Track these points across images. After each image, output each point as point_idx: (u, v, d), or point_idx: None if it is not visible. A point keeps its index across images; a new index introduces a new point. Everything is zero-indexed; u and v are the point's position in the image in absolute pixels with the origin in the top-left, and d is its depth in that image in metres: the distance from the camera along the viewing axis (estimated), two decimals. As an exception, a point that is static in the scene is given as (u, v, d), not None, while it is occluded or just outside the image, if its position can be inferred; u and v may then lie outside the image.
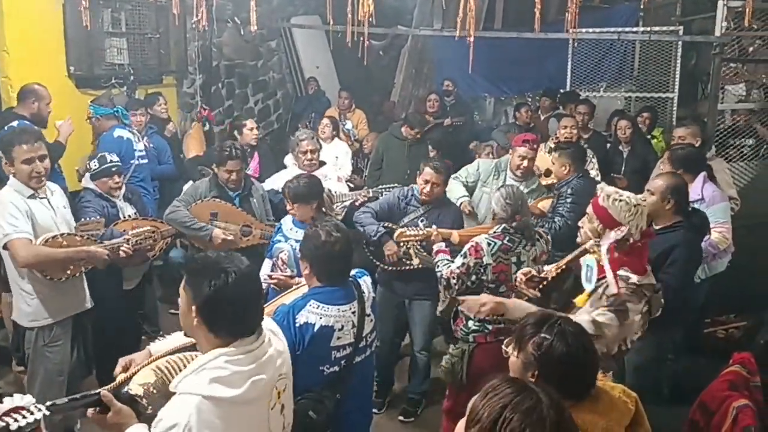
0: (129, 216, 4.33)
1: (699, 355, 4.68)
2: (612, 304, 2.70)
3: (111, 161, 4.31)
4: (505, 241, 3.54)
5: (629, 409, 2.08)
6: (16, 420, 1.82)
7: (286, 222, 4.05)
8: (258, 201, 4.66)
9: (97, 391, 2.00)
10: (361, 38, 4.79)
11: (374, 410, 4.48)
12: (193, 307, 1.96)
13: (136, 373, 2.07)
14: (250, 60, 9.12)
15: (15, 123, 4.85)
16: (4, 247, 3.42)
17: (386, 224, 4.27)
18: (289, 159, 5.60)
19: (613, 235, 2.73)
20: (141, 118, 5.76)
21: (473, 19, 4.31)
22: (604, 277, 2.76)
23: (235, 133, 5.78)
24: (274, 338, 2.13)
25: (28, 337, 3.61)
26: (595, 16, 8.91)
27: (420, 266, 4.12)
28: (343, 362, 2.79)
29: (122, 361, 2.26)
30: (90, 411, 1.99)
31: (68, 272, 3.64)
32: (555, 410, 1.50)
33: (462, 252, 3.58)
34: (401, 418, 4.48)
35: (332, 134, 6.51)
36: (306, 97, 9.41)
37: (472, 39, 4.15)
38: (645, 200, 2.90)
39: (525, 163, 4.64)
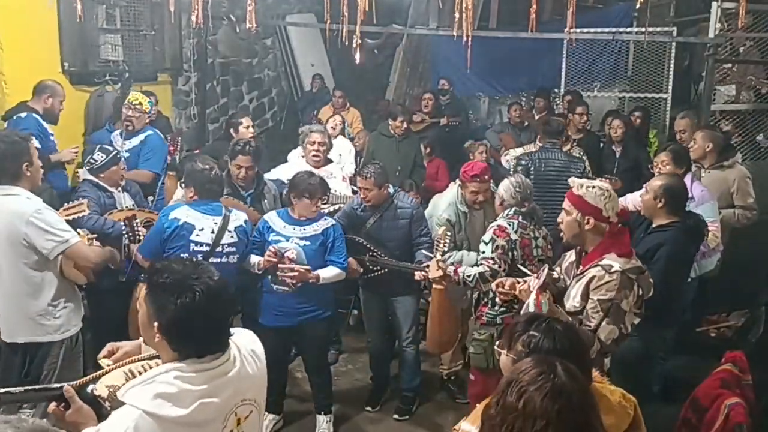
0: (128, 206, 4.36)
1: (691, 354, 4.71)
2: (604, 309, 2.84)
3: (114, 150, 4.41)
4: (520, 220, 3.84)
5: (628, 414, 2.11)
6: None
7: (275, 220, 4.07)
8: (270, 202, 4.60)
9: (60, 384, 1.92)
10: (354, 37, 4.79)
11: (369, 408, 4.57)
12: (155, 324, 1.86)
13: (107, 372, 1.97)
14: (245, 58, 9.12)
15: (23, 114, 4.96)
16: (62, 253, 3.32)
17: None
18: (293, 153, 5.58)
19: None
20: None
21: (470, 18, 4.31)
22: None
23: (231, 131, 5.76)
24: (248, 360, 1.99)
25: (53, 352, 3.44)
26: (589, 16, 8.96)
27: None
28: (200, 256, 3.63)
29: (110, 346, 2.17)
30: (52, 405, 1.89)
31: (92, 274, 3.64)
32: (568, 376, 1.59)
33: (485, 241, 3.75)
34: (396, 416, 4.49)
35: (340, 132, 6.50)
36: (309, 94, 9.42)
37: (469, 38, 4.15)
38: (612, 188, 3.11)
39: (480, 197, 4.34)
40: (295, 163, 5.26)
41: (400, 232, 4.32)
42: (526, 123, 7.88)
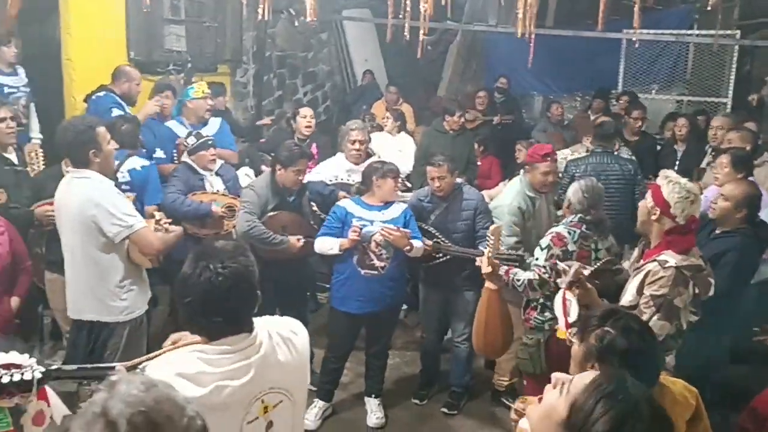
0: (217, 190, 4.59)
1: (749, 363, 4.62)
2: (656, 304, 2.82)
3: (205, 136, 4.66)
4: (583, 229, 3.64)
5: (690, 404, 2.10)
6: (10, 374, 1.82)
7: (353, 206, 4.19)
8: (305, 201, 4.65)
9: (113, 364, 2.00)
10: (412, 33, 4.82)
11: (416, 401, 4.62)
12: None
13: (158, 355, 1.99)
14: (301, 51, 9.23)
15: (102, 93, 5.19)
16: (127, 238, 3.39)
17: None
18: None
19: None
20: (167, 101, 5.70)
21: (533, 16, 4.31)
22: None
23: (291, 122, 5.84)
24: (280, 347, 1.96)
25: (118, 332, 3.52)
26: (649, 17, 8.78)
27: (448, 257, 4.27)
28: None
29: (173, 336, 2.20)
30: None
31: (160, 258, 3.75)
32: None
33: (541, 246, 3.61)
34: (444, 410, 4.52)
35: (397, 126, 6.53)
36: (359, 88, 9.50)
37: (532, 36, 4.16)
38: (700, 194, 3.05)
39: (550, 178, 4.32)
40: (339, 161, 5.28)
41: (464, 224, 4.33)
42: (566, 121, 7.83)
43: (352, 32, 10.06)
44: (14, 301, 3.69)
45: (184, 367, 1.80)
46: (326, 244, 4.14)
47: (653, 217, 2.97)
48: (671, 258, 2.87)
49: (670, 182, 2.95)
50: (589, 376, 1.42)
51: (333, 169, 5.17)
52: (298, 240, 4.37)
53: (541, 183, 4.30)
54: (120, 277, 3.47)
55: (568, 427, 1.35)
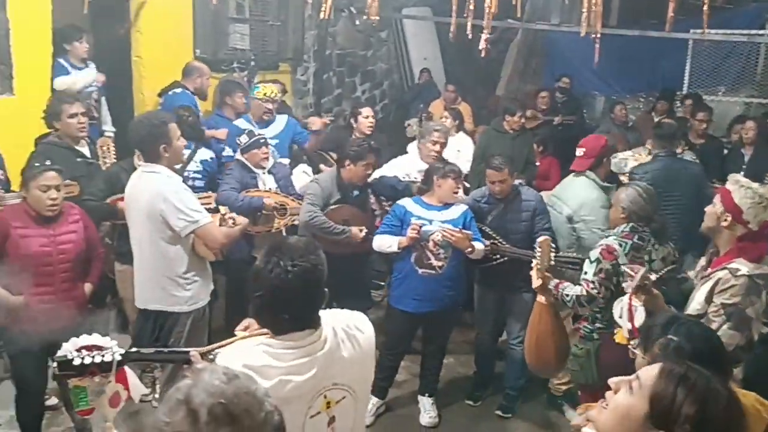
0: (269, 189, 4.67)
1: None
2: (727, 313, 2.75)
3: (258, 134, 4.75)
4: (635, 240, 3.43)
5: (764, 418, 2.04)
6: (91, 356, 1.93)
7: (412, 206, 4.20)
8: (366, 196, 4.72)
9: (187, 349, 2.09)
10: (473, 31, 4.81)
11: (470, 403, 4.61)
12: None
13: (230, 343, 2.06)
14: (361, 49, 9.28)
15: (178, 90, 5.38)
16: (192, 232, 3.49)
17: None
18: (413, 146, 5.66)
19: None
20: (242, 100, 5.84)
21: (599, 15, 4.24)
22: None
23: (351, 121, 5.89)
24: (344, 343, 1.98)
25: (181, 322, 3.62)
26: (718, 16, 8.50)
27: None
28: None
29: (246, 322, 2.23)
30: (186, 367, 2.04)
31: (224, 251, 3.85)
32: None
33: (591, 259, 3.45)
34: (499, 413, 4.50)
35: (455, 126, 6.51)
36: (416, 87, 9.50)
37: (598, 36, 4.09)
38: None
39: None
40: (413, 159, 5.27)
41: (522, 225, 4.31)
42: (630, 123, 7.65)
43: (412, 30, 10.05)
44: (88, 287, 3.83)
45: (250, 358, 1.84)
46: (385, 242, 4.17)
47: (724, 224, 2.89)
48: (743, 266, 2.79)
49: (741, 187, 2.88)
50: (655, 368, 1.42)
51: (406, 167, 5.16)
52: (361, 231, 4.42)
53: (606, 173, 4.33)
54: (185, 268, 3.57)
55: (653, 419, 1.36)
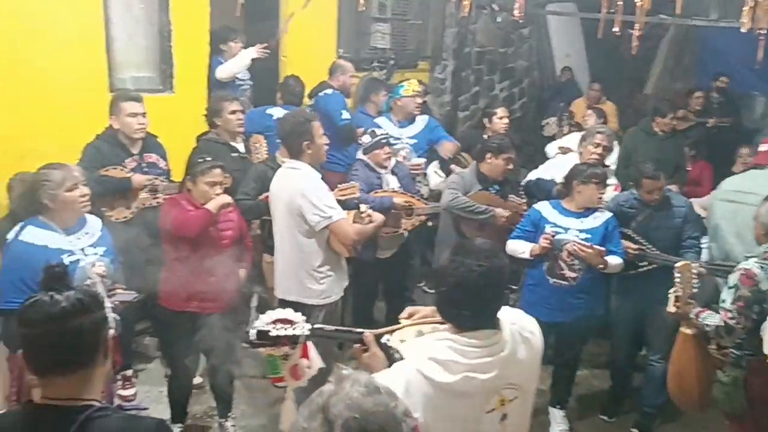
0: (393, 189, 4.68)
1: None
2: None
3: (380, 134, 4.75)
4: None
5: None
6: (284, 328, 2.10)
7: (549, 211, 4.06)
8: (505, 193, 4.63)
9: (362, 330, 2.19)
10: (621, 28, 4.57)
11: (604, 417, 4.41)
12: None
13: (401, 328, 2.20)
14: (501, 47, 9.12)
15: (329, 91, 5.49)
16: (326, 228, 3.59)
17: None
18: (552, 146, 5.51)
19: None
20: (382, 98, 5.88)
21: (766, 9, 3.89)
22: None
23: (485, 120, 5.82)
24: (519, 345, 2.05)
25: (314, 314, 3.70)
26: None
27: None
28: None
29: (410, 309, 2.37)
30: (356, 345, 2.17)
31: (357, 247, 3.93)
32: None
33: (729, 285, 3.14)
34: (635, 431, 4.28)
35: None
36: (556, 85, 9.25)
37: (763, 32, 3.75)
38: None
39: None
40: (566, 162, 5.09)
41: (670, 232, 4.07)
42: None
43: (555, 27, 9.77)
44: (242, 272, 4.01)
45: (436, 352, 1.94)
46: (518, 248, 4.06)
47: None
48: None
49: None
50: None
51: (563, 169, 5.01)
52: (506, 211, 4.39)
53: None
54: (319, 262, 3.68)
55: None
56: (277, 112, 5.20)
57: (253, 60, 5.62)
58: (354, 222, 3.87)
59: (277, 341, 2.11)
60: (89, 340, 1.68)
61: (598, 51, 9.35)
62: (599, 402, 4.56)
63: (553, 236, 3.92)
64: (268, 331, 2.11)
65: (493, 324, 2.02)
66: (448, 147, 5.57)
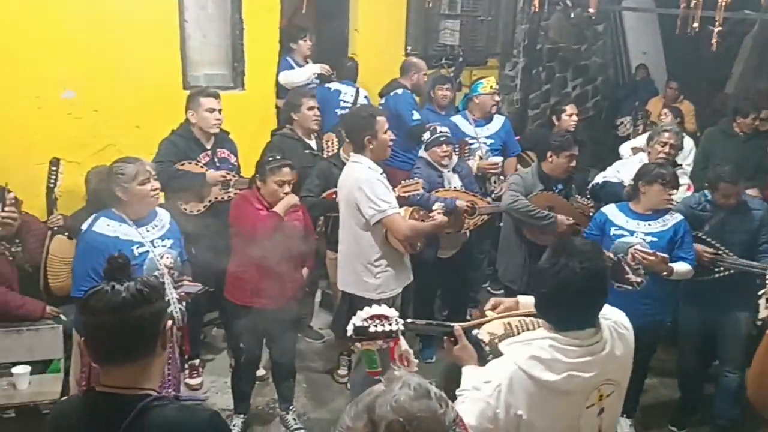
0: (455, 187, 4.61)
1: None
2: None
3: (440, 132, 4.67)
4: None
5: None
6: (381, 324, 2.16)
7: (615, 213, 3.93)
8: (569, 192, 4.53)
9: (452, 323, 2.24)
10: (701, 24, 4.38)
11: (673, 429, 4.27)
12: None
13: (490, 321, 2.24)
14: (574, 44, 8.91)
15: (400, 91, 5.47)
16: (380, 222, 3.59)
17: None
18: (625, 147, 5.33)
19: None
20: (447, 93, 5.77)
21: None
22: None
23: (553, 118, 5.70)
24: (617, 342, 2.08)
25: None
26: None
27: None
28: None
29: (494, 300, 2.42)
30: (446, 338, 2.23)
31: (419, 244, 3.91)
32: None
33: None
34: (706, 442, 4.11)
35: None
36: (631, 84, 8.98)
37: None
38: None
39: None
40: (638, 162, 4.91)
41: (745, 236, 3.90)
42: None
43: (631, 23, 9.48)
44: (305, 271, 4.07)
45: (539, 351, 1.97)
46: None
47: None
48: None
49: None
50: None
51: (633, 170, 4.85)
52: (568, 219, 4.28)
53: None
54: (375, 256, 3.69)
55: None
56: (336, 86, 5.43)
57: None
58: (411, 218, 3.84)
59: (375, 336, 2.17)
60: (148, 330, 1.71)
61: (676, 48, 9.02)
62: (668, 412, 4.39)
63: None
64: (367, 327, 2.17)
65: (594, 323, 2.04)
66: (511, 164, 5.47)
